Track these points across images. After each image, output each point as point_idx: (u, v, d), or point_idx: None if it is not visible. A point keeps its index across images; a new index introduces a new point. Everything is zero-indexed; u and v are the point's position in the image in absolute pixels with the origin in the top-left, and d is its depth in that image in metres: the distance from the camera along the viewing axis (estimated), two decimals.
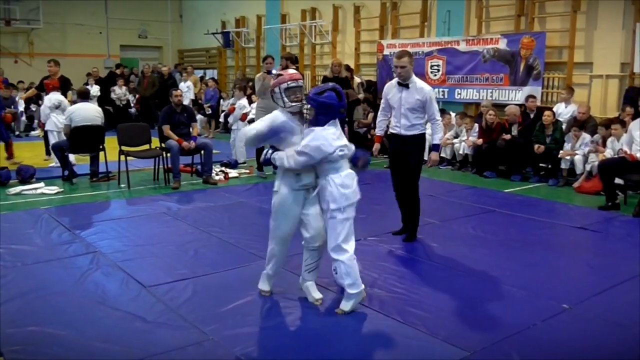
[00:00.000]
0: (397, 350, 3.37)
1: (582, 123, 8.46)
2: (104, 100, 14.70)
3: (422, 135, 5.39)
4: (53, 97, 9.20)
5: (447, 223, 6.25)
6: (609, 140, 7.84)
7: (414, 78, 5.23)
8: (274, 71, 8.70)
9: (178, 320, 3.73)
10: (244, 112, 9.98)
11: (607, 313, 3.76)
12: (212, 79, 16.00)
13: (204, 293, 4.19)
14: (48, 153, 9.55)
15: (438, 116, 5.35)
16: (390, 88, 5.35)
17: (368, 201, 7.26)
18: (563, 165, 8.42)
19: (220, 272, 4.63)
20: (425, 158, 5.81)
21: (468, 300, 4.10)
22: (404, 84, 5.22)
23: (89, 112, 8.16)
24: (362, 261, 4.92)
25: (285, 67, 9.77)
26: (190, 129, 8.26)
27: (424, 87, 5.22)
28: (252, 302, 4.02)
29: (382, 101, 5.60)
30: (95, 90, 14.42)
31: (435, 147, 5.54)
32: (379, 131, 5.73)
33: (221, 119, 14.21)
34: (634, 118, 7.27)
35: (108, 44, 18.74)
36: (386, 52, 12.14)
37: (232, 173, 8.95)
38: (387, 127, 5.72)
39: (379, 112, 5.66)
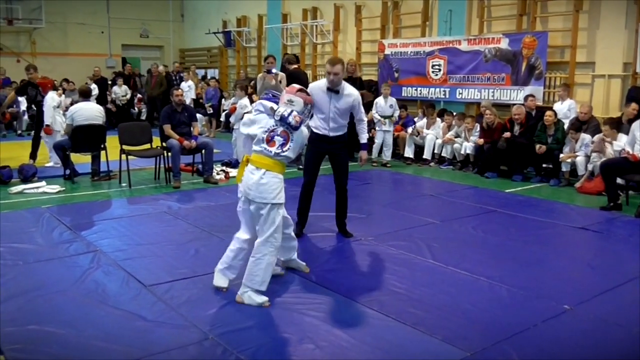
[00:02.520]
0: (397, 351, 3.36)
1: (582, 124, 8.45)
2: (101, 100, 14.69)
3: (346, 135, 5.55)
4: (53, 97, 9.47)
5: (448, 223, 6.24)
6: (606, 142, 7.83)
7: (344, 84, 5.33)
8: (274, 70, 8.70)
9: (178, 319, 3.73)
10: (245, 111, 9.96)
11: (608, 314, 3.75)
12: (214, 78, 16.00)
13: (204, 292, 4.19)
14: (33, 157, 9.26)
15: (364, 117, 5.55)
16: (317, 91, 5.27)
17: (367, 201, 7.30)
18: (564, 168, 8.42)
19: None
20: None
21: (468, 300, 4.09)
22: (334, 90, 5.26)
23: (91, 112, 8.17)
24: (361, 261, 4.95)
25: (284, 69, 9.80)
26: (191, 129, 8.26)
27: (353, 92, 5.35)
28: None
29: None
30: (93, 88, 14.41)
31: (363, 146, 5.67)
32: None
33: (222, 119, 14.22)
34: (636, 117, 7.24)
35: (110, 44, 18.76)
36: (387, 51, 12.12)
37: (233, 172, 8.92)
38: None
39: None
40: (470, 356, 3.29)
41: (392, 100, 10.37)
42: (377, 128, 10.27)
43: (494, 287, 4.35)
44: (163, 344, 3.38)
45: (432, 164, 10.18)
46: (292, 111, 4.01)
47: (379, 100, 10.34)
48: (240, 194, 4.20)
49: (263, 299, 3.95)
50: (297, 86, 4.27)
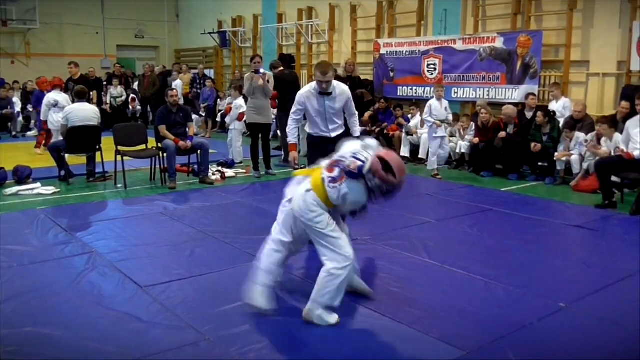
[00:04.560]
0: (393, 350, 3.37)
1: (576, 123, 8.48)
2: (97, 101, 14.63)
3: (345, 133, 5.55)
4: (51, 96, 9.59)
5: (444, 222, 6.25)
6: (602, 140, 7.85)
7: (333, 83, 5.35)
8: (262, 70, 8.70)
9: (174, 320, 3.72)
10: (241, 111, 9.97)
11: (604, 312, 3.75)
12: (209, 78, 15.99)
13: (200, 293, 4.19)
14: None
15: (355, 111, 5.62)
16: (309, 98, 5.38)
17: None
18: (559, 166, 8.44)
19: (216, 272, 4.63)
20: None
21: (464, 299, 4.10)
22: (326, 93, 5.31)
23: (86, 113, 8.15)
24: (358, 261, 4.94)
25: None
26: (187, 129, 8.25)
27: (344, 89, 5.42)
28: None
29: (295, 109, 5.52)
30: None
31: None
32: (293, 139, 5.64)
33: (218, 119, 14.21)
34: (630, 116, 7.26)
35: (105, 44, 18.71)
36: (383, 51, 12.13)
37: (229, 173, 8.94)
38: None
39: (292, 120, 5.57)
40: (466, 355, 3.29)
41: (446, 103, 9.20)
42: (430, 133, 9.10)
43: (489, 285, 4.36)
44: (159, 345, 3.38)
45: (427, 163, 10.17)
46: (362, 161, 3.56)
47: (433, 102, 8.99)
48: (288, 193, 3.95)
49: (334, 318, 3.65)
50: (391, 161, 3.51)
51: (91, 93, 11.17)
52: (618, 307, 3.92)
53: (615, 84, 9.11)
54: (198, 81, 15.46)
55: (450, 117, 9.34)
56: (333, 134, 5.46)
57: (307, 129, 5.44)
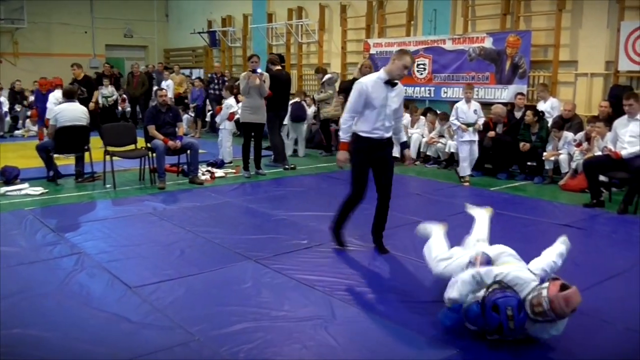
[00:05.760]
0: (385, 350, 3.37)
1: (564, 122, 8.54)
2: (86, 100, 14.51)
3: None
4: (56, 95, 10.08)
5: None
6: (595, 139, 7.91)
7: None
8: (259, 70, 8.68)
9: (164, 320, 3.71)
10: (231, 111, 9.95)
11: (592, 310, 3.77)
12: (199, 78, 15.94)
13: (190, 293, 4.17)
14: None
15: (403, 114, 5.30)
16: (376, 86, 4.76)
17: None
18: (547, 166, 8.49)
19: (206, 272, 4.61)
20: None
21: None
22: (393, 83, 4.83)
23: (75, 113, 8.09)
24: (348, 261, 4.95)
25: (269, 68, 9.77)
26: (176, 129, 8.22)
27: (402, 87, 5.01)
28: (238, 302, 4.01)
29: (354, 100, 4.82)
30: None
31: (406, 144, 5.42)
32: (347, 137, 4.91)
33: (208, 119, 14.16)
34: (617, 115, 7.32)
35: (93, 44, 18.60)
36: (373, 51, 12.15)
37: (219, 173, 8.92)
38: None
39: (349, 113, 4.87)
40: (457, 354, 3.31)
41: (476, 105, 8.64)
42: (457, 138, 8.83)
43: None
44: (149, 346, 3.37)
45: (417, 162, 10.21)
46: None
47: (460, 105, 8.61)
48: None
49: None
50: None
51: (95, 92, 11.93)
52: (606, 306, 3.95)
53: (603, 84, 9.18)
54: (216, 81, 14.78)
55: (481, 121, 8.67)
56: (386, 135, 4.91)
57: (362, 127, 4.80)
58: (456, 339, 3.47)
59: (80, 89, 11.09)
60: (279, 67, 9.70)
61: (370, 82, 4.79)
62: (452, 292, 3.55)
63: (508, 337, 3.34)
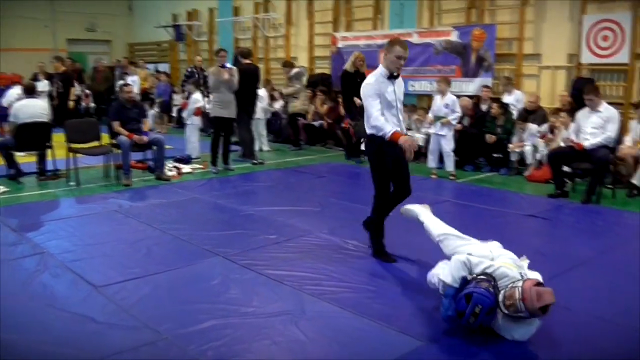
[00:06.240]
0: (353, 343, 3.37)
1: (529, 114, 8.68)
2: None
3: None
4: (15, 92, 9.87)
5: (399, 214, 6.25)
6: (558, 129, 8.05)
7: None
8: (227, 65, 8.59)
9: (130, 320, 3.64)
10: (197, 106, 9.84)
11: (557, 299, 3.82)
12: (164, 73, 15.71)
13: (157, 292, 4.11)
14: None
15: None
16: (381, 83, 4.60)
17: (321, 195, 7.30)
18: (513, 157, 8.61)
19: (173, 269, 4.55)
20: None
21: (423, 290, 4.12)
22: (395, 76, 4.66)
23: (35, 109, 7.89)
24: (317, 256, 4.93)
25: (236, 62, 9.67)
26: (141, 125, 8.09)
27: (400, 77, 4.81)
28: (206, 299, 3.96)
29: (375, 101, 4.57)
30: (44, 85, 13.89)
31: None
32: (393, 126, 4.56)
33: (174, 114, 13.97)
34: (580, 107, 7.45)
35: (55, 38, 18.16)
36: (340, 44, 12.12)
37: (186, 168, 8.81)
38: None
39: (380, 113, 4.57)
40: (423, 345, 3.33)
41: (451, 99, 8.45)
42: (431, 130, 8.76)
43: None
44: (115, 347, 3.31)
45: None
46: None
47: (435, 98, 8.75)
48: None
49: None
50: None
51: (71, 89, 12.07)
52: (571, 294, 4.01)
53: (566, 76, 9.34)
54: (197, 75, 14.27)
55: (454, 116, 8.42)
56: (404, 132, 4.71)
57: (383, 118, 4.52)
58: (425, 330, 3.49)
59: (57, 84, 10.95)
60: (248, 61, 9.60)
61: (376, 81, 4.62)
62: (446, 276, 3.57)
63: (463, 324, 3.40)
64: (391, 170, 4.74)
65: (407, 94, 10.80)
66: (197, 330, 3.49)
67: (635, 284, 4.31)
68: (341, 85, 9.77)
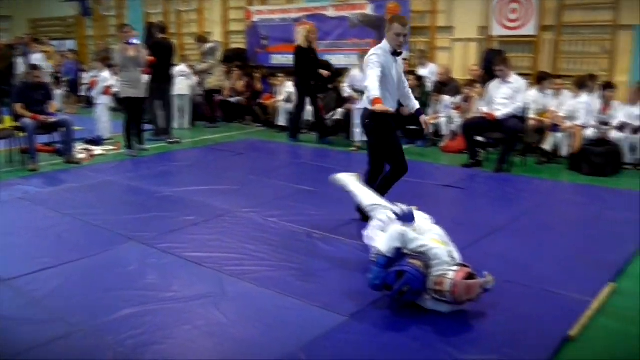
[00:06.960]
0: (276, 322, 3.34)
1: (443, 86, 8.88)
2: None
3: None
4: None
5: (322, 188, 6.26)
6: (472, 99, 8.28)
7: None
8: (134, 41, 8.23)
9: (42, 313, 3.45)
10: (106, 85, 9.42)
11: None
12: (71, 50, 14.93)
13: (70, 281, 3.91)
14: None
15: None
16: (385, 58, 4.62)
17: (240, 172, 7.20)
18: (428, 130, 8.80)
19: (86, 257, 4.34)
20: None
21: (347, 266, 4.15)
22: (397, 53, 4.72)
23: None
24: (237, 236, 4.85)
25: (149, 37, 9.30)
26: (47, 106, 7.64)
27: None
28: (123, 286, 3.82)
29: (376, 68, 4.58)
30: None
31: (420, 111, 5.17)
32: (377, 92, 4.52)
33: (83, 93, 13.34)
34: (490, 78, 7.68)
35: None
36: (255, 18, 11.93)
37: (97, 150, 8.44)
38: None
39: (377, 80, 4.56)
40: (347, 320, 3.35)
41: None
42: (355, 107, 8.58)
43: (367, 250, 4.44)
44: (25, 343, 3.12)
45: (312, 133, 10.18)
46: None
47: (354, 72, 8.85)
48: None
49: None
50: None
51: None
52: (485, 261, 4.14)
53: (478, 48, 9.60)
54: None
55: None
56: (396, 107, 4.84)
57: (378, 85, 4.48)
58: (350, 306, 3.51)
59: None
60: (163, 36, 9.25)
61: (383, 52, 4.64)
62: (381, 245, 3.57)
63: (389, 296, 3.46)
64: (394, 144, 4.92)
65: None
66: (114, 320, 3.36)
67: (547, 249, 4.52)
68: (295, 61, 9.17)
